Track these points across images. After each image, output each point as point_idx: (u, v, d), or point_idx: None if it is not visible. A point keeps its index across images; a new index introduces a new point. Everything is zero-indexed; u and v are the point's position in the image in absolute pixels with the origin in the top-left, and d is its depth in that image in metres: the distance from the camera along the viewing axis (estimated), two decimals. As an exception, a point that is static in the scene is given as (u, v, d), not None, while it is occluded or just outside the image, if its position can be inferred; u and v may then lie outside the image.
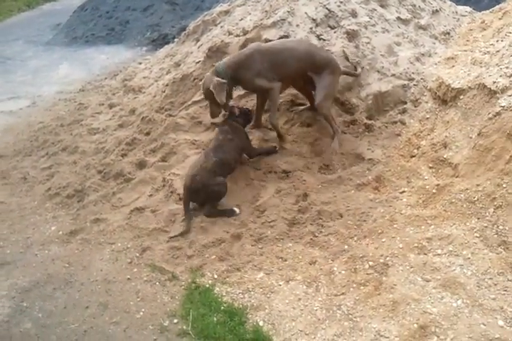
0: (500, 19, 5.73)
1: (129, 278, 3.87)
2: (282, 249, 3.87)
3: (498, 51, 4.59)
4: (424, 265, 3.29)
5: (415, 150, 4.51)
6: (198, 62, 6.09)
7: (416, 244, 3.47)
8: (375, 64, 5.29)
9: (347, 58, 5.15)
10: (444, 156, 4.22)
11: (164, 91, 6.15)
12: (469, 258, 3.26)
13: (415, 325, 2.92)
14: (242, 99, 5.31)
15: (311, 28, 5.44)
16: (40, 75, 9.38)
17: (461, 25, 6.41)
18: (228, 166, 4.51)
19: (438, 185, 3.94)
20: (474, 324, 2.85)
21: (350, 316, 3.14)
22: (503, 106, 3.81)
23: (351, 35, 5.39)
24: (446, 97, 4.70)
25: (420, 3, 6.31)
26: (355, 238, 3.78)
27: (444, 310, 2.97)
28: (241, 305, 3.43)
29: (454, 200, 3.69)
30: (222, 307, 3.44)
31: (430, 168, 4.26)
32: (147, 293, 3.71)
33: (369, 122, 4.92)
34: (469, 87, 4.44)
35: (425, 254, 3.39)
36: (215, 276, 3.74)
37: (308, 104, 5.01)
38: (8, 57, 10.68)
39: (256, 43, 4.84)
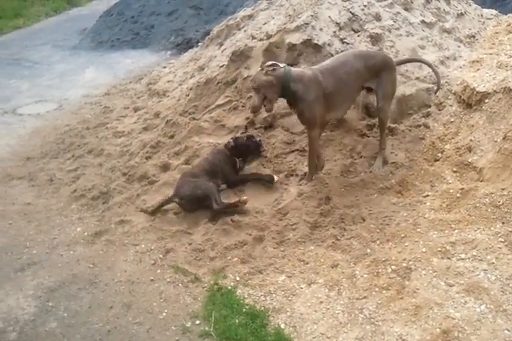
0: (526, 22, 5.67)
1: (152, 279, 3.91)
2: (304, 252, 3.87)
3: (524, 54, 4.54)
4: (448, 269, 3.26)
5: (439, 154, 4.47)
6: (221, 66, 6.15)
7: (439, 248, 3.44)
8: (399, 67, 5.26)
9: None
10: (469, 160, 4.19)
11: (188, 95, 6.22)
12: (493, 263, 3.22)
13: (438, 330, 2.90)
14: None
15: (334, 32, 5.44)
16: (66, 79, 9.54)
17: (486, 28, 6.35)
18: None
19: (462, 189, 3.90)
20: (498, 329, 2.82)
21: (372, 320, 3.13)
22: (530, 110, 3.76)
23: (375, 39, 5.38)
24: (471, 101, 4.66)
25: (445, 6, 6.27)
26: (378, 242, 3.76)
27: (468, 314, 2.94)
28: (263, 308, 3.44)
29: (478, 204, 3.65)
30: (244, 309, 3.45)
31: (454, 171, 4.22)
32: (170, 294, 3.74)
33: (393, 125, 4.90)
34: (494, 91, 4.40)
35: (449, 259, 3.36)
36: (237, 278, 3.76)
37: None
38: (35, 61, 10.88)
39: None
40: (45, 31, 13.49)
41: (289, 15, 5.91)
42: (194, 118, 5.74)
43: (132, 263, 4.14)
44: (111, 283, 3.95)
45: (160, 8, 11.91)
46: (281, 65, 4.22)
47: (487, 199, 3.64)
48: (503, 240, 3.37)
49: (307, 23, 5.48)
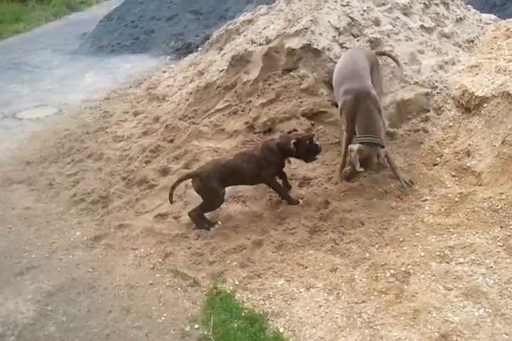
0: (525, 27, 5.70)
1: (151, 284, 3.92)
2: (303, 256, 3.88)
3: (522, 59, 4.56)
4: (446, 273, 3.27)
5: (438, 159, 4.49)
6: (221, 71, 6.16)
7: (438, 253, 3.45)
8: (398, 72, 5.29)
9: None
10: (467, 164, 4.21)
11: (188, 100, 6.23)
12: (492, 267, 3.23)
13: (436, 334, 2.90)
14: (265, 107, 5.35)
15: (334, 37, 5.47)
16: (66, 84, 9.55)
17: (485, 33, 6.37)
18: (239, 176, 4.39)
19: (461, 193, 3.92)
20: (497, 333, 2.83)
21: (370, 324, 3.13)
22: (528, 115, 3.77)
23: (374, 44, 5.41)
24: (470, 105, 4.68)
25: (444, 11, 6.29)
26: (377, 246, 3.77)
27: (466, 318, 2.95)
28: (262, 312, 3.45)
29: (476, 209, 3.67)
30: (243, 314, 3.45)
31: (453, 176, 4.24)
32: (169, 298, 3.75)
33: (391, 130, 4.91)
34: (493, 95, 4.42)
35: (447, 263, 3.37)
36: (237, 282, 3.76)
37: None
38: (36, 65, 10.90)
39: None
40: (45, 36, 13.51)
41: (289, 20, 5.94)
42: (194, 123, 5.75)
43: (131, 267, 4.14)
44: (110, 287, 3.95)
45: (160, 12, 11.93)
46: None
47: (485, 204, 3.65)
48: (501, 244, 3.37)
49: (306, 28, 5.50)
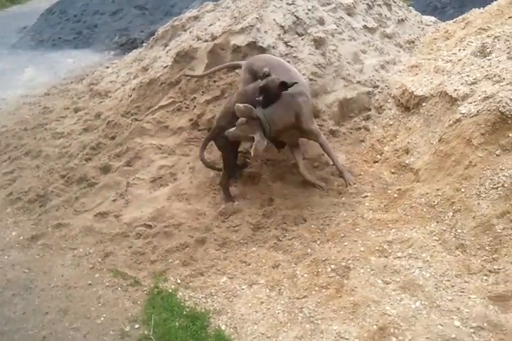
0: (462, 29, 5.90)
1: (90, 284, 3.82)
2: (246, 253, 3.87)
3: (459, 60, 4.71)
4: (385, 268, 3.33)
5: (378, 156, 4.58)
6: (165, 67, 6.08)
7: (377, 247, 3.50)
8: (341, 71, 5.37)
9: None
10: (406, 162, 4.31)
11: (131, 96, 6.11)
12: (428, 260, 3.31)
13: (375, 327, 2.95)
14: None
15: (279, 35, 5.49)
16: (4, 78, 9.17)
17: (425, 34, 6.56)
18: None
19: (399, 189, 4.00)
20: (432, 324, 2.90)
21: (311, 319, 3.15)
22: (463, 113, 3.90)
23: (318, 43, 5.46)
24: (409, 104, 4.80)
25: (386, 12, 6.44)
26: (319, 242, 3.80)
27: (403, 311, 3.01)
28: (204, 310, 3.42)
29: (414, 204, 3.75)
30: (184, 312, 3.41)
31: (392, 173, 4.33)
32: (109, 298, 3.66)
33: (334, 128, 4.97)
34: (431, 95, 4.54)
35: (386, 257, 3.43)
36: (179, 281, 3.72)
37: None
38: (-28, 59, 10.45)
39: None
40: (-17, 29, 12.98)
41: (235, 17, 5.92)
42: (136, 119, 5.64)
43: (70, 267, 4.03)
44: (47, 288, 3.83)
45: (104, 7, 11.67)
46: None
47: (423, 200, 3.74)
48: (437, 238, 3.46)
49: (252, 26, 5.49)
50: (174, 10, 10.77)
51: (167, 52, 6.62)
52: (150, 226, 4.29)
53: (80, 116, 6.55)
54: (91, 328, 3.41)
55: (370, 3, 6.29)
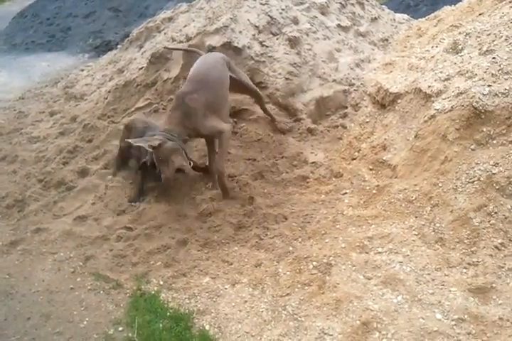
0: (435, 26, 6.00)
1: (72, 288, 3.77)
2: (228, 253, 3.87)
3: (432, 57, 4.78)
4: (366, 263, 3.36)
5: (356, 153, 4.63)
6: (141, 69, 6.06)
7: (358, 243, 3.54)
8: (317, 70, 5.42)
9: None
10: (384, 158, 4.36)
11: (107, 98, 6.08)
12: (408, 255, 3.35)
13: (358, 322, 2.97)
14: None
15: (253, 35, 5.51)
16: (-23, 83, 9.04)
17: (398, 32, 6.66)
18: None
19: (378, 185, 4.05)
20: (414, 318, 2.93)
21: (295, 316, 3.16)
22: (438, 109, 3.96)
23: (293, 42, 5.50)
24: (385, 101, 4.86)
25: (360, 11, 6.51)
26: (300, 239, 3.82)
27: (385, 306, 3.04)
28: (187, 310, 3.40)
29: (393, 200, 3.80)
30: (168, 313, 3.39)
31: (370, 169, 4.38)
32: (91, 301, 3.62)
33: (312, 126, 5.02)
34: (406, 92, 4.60)
35: (366, 253, 3.46)
36: (161, 283, 3.70)
37: None
38: None
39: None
40: (-47, 33, 12.72)
41: (209, 18, 5.93)
42: (113, 122, 5.62)
43: (50, 272, 3.97)
44: (28, 294, 3.77)
45: (77, 9, 11.58)
46: None
47: (401, 195, 3.79)
48: (416, 233, 3.51)
49: (226, 26, 5.51)
50: (148, 11, 10.74)
51: (142, 53, 6.60)
52: (130, 229, 4.26)
53: (56, 119, 6.48)
54: (74, 332, 3.36)
55: (343, 2, 6.36)
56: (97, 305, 3.58)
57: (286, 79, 5.24)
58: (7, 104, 7.77)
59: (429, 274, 3.22)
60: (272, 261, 3.67)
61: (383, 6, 7.41)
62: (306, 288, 3.34)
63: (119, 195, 4.61)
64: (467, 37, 4.43)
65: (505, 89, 3.69)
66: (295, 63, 5.35)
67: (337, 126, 5.01)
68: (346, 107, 5.16)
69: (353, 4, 6.51)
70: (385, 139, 4.50)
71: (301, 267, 3.50)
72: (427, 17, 6.77)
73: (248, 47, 5.39)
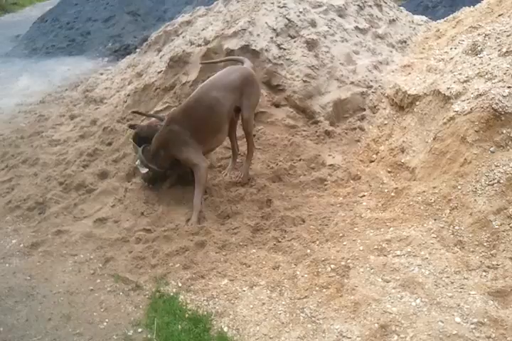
0: (453, 28, 5.96)
1: (92, 289, 3.81)
2: (246, 255, 3.88)
3: (451, 58, 4.75)
4: (384, 266, 3.35)
5: (374, 156, 4.62)
6: (159, 72, 6.12)
7: (376, 246, 3.53)
8: (335, 72, 5.41)
9: None
10: (402, 160, 4.34)
11: (126, 102, 6.14)
12: (427, 258, 3.33)
13: (376, 325, 2.97)
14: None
15: (271, 38, 5.54)
16: (-1, 87, 9.22)
17: (417, 33, 6.63)
18: None
19: (396, 188, 4.03)
20: (433, 321, 2.92)
21: (313, 318, 3.17)
22: (457, 111, 3.93)
23: (311, 45, 5.51)
24: (403, 104, 4.84)
25: (377, 12, 6.50)
26: (318, 242, 3.82)
27: (404, 309, 3.03)
28: (205, 312, 3.42)
29: (411, 203, 3.78)
30: (186, 315, 3.41)
31: (389, 172, 4.36)
32: (111, 303, 3.66)
33: (329, 129, 5.01)
34: (425, 94, 4.58)
35: (385, 256, 3.45)
36: (180, 284, 3.72)
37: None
38: (-34, 69, 10.46)
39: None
40: (-24, 38, 12.99)
41: (227, 22, 5.97)
42: (132, 125, 5.67)
43: (71, 273, 4.02)
44: (49, 295, 3.82)
45: (96, 14, 11.74)
46: None
47: (419, 198, 3.77)
48: (435, 236, 3.49)
49: (244, 29, 5.55)
50: (166, 15, 10.85)
51: (161, 57, 6.66)
52: (149, 231, 4.30)
53: (76, 123, 6.58)
54: (94, 333, 3.41)
55: (361, 5, 6.35)
56: (116, 307, 3.62)
57: (304, 81, 5.25)
58: (28, 108, 7.90)
59: (448, 277, 3.20)
60: (290, 264, 3.68)
61: (401, 8, 7.38)
62: (324, 290, 3.34)
63: (138, 198, 4.65)
64: (486, 38, 4.39)
65: (526, 90, 3.65)
66: (313, 66, 5.36)
67: (355, 129, 5.00)
68: (364, 109, 5.15)
69: (370, 6, 6.50)
70: (404, 141, 4.48)
71: (319, 270, 3.50)
72: (445, 18, 6.72)
73: (266, 50, 5.42)
